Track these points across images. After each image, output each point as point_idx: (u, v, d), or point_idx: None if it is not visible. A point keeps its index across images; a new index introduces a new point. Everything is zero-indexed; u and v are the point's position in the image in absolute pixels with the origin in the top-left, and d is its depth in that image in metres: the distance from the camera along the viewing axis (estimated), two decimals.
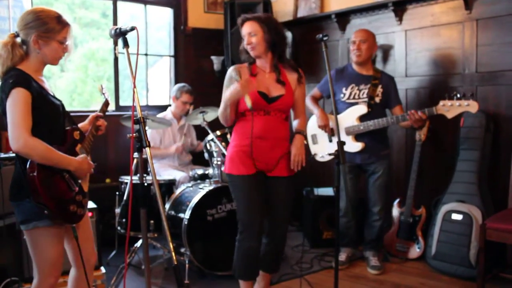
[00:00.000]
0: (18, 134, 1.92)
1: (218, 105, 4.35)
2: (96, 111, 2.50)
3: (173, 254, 1.83)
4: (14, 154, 2.10)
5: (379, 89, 3.61)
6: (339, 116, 3.61)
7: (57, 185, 2.05)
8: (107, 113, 4.44)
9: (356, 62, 3.66)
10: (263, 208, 2.77)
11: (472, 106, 3.21)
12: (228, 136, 3.79)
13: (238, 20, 2.81)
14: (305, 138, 2.87)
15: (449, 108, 3.27)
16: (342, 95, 3.64)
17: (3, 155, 2.95)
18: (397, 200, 3.88)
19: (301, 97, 2.89)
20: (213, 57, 5.00)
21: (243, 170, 2.73)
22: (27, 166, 2.00)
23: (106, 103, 2.61)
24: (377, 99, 3.60)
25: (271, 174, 2.79)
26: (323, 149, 3.72)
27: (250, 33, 2.72)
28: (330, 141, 3.66)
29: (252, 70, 2.80)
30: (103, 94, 2.70)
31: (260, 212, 2.75)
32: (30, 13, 2.08)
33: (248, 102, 2.62)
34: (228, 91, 2.67)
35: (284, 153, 2.79)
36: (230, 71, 2.80)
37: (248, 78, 2.65)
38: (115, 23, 4.59)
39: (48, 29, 2.06)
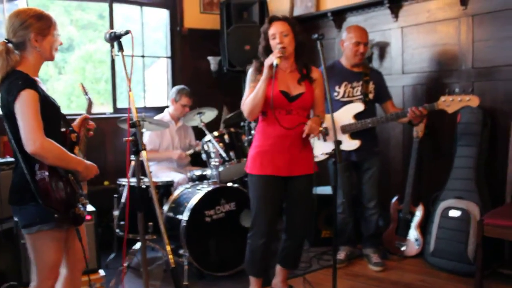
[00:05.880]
0: (35, 137, 1.92)
1: (215, 106, 4.32)
2: (90, 113, 2.50)
3: (171, 257, 1.84)
4: (11, 159, 2.10)
5: (371, 85, 3.60)
6: (334, 115, 3.61)
7: (65, 188, 2.06)
8: (104, 116, 4.41)
9: (355, 64, 3.62)
10: (275, 209, 2.86)
11: (473, 101, 3.21)
12: (226, 136, 3.78)
13: (267, 20, 2.83)
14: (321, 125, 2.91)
15: (450, 103, 3.27)
16: (335, 94, 3.61)
17: (0, 160, 2.94)
18: (396, 198, 3.88)
19: (320, 97, 2.93)
20: (209, 58, 5.00)
21: (261, 170, 2.82)
22: (37, 169, 1.99)
23: (90, 103, 2.59)
24: (371, 96, 3.60)
25: (290, 174, 2.85)
26: (317, 150, 3.69)
27: (282, 32, 2.73)
28: (325, 140, 3.65)
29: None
30: (86, 94, 2.64)
31: (270, 212, 2.83)
32: (17, 15, 2.07)
33: (275, 60, 2.64)
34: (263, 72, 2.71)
35: (303, 151, 2.87)
36: (253, 65, 2.87)
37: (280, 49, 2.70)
38: (111, 24, 4.58)
39: (43, 25, 2.08)
